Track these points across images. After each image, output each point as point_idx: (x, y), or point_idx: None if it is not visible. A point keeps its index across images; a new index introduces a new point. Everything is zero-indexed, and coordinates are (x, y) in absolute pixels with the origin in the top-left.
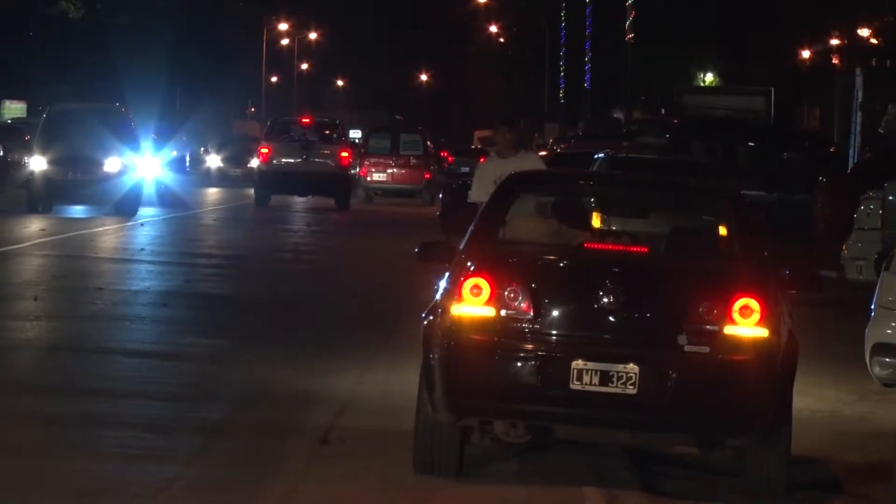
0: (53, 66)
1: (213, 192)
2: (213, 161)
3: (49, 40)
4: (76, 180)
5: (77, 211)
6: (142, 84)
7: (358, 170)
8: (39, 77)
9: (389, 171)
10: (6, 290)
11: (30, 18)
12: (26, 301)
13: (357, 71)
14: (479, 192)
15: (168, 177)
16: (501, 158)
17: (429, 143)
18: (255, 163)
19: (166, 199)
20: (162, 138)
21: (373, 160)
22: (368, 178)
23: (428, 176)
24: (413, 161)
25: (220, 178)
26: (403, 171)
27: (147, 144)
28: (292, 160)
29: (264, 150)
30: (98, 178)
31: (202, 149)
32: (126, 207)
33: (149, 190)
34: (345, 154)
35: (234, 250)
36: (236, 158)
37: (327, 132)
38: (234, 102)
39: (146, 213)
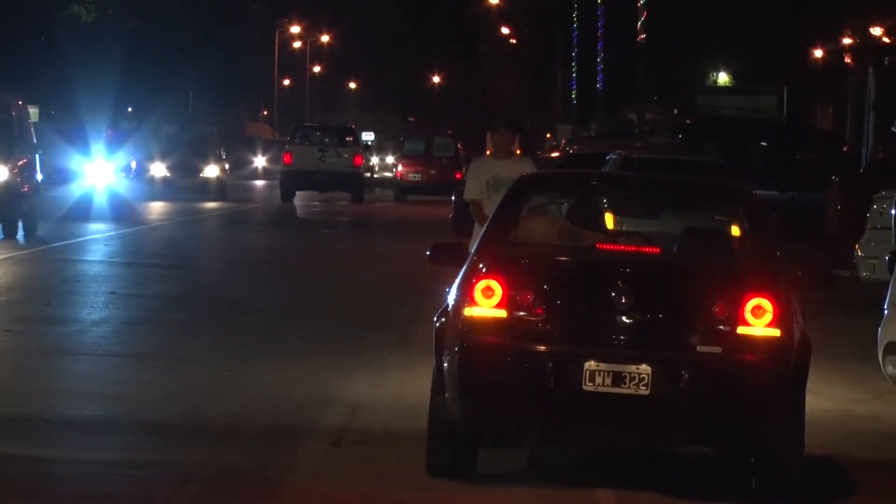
0: (65, 71)
1: (156, 206)
2: (158, 169)
3: (61, 43)
4: None
5: None
6: (151, 88)
7: (394, 171)
8: (53, 82)
9: (423, 171)
10: None
11: (42, 23)
12: None
13: (369, 73)
14: (472, 191)
15: (123, 185)
16: (496, 159)
17: (459, 145)
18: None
19: (121, 210)
20: (116, 142)
21: (408, 161)
22: (404, 178)
23: (459, 176)
24: (445, 162)
25: (166, 189)
26: (435, 172)
27: (98, 148)
28: (312, 161)
29: (288, 153)
30: None
31: (133, 161)
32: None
33: (99, 200)
34: (358, 155)
35: (241, 254)
36: (186, 166)
37: (343, 136)
38: (246, 105)
39: (97, 227)
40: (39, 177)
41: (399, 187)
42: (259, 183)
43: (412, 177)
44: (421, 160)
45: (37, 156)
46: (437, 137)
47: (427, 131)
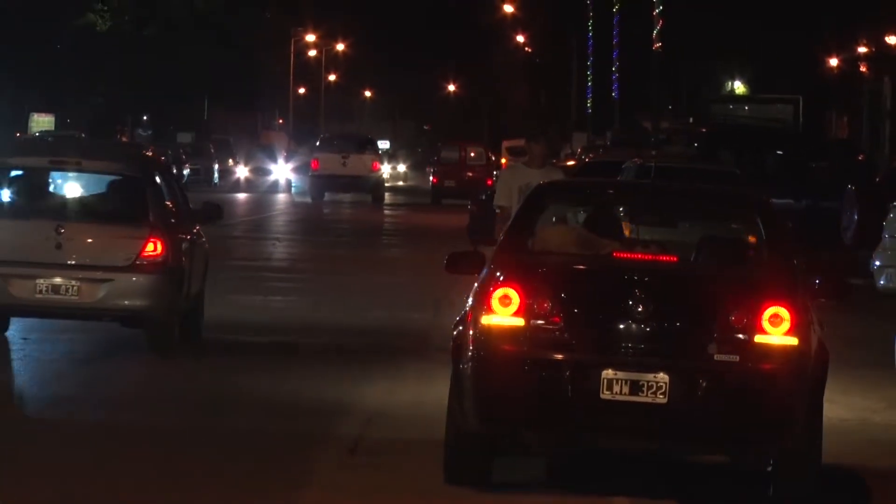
0: (81, 79)
1: None
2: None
3: (76, 52)
4: None
5: None
6: (167, 96)
7: (431, 177)
8: (68, 90)
9: (457, 178)
10: None
11: (57, 31)
12: None
13: (384, 82)
14: (501, 197)
15: None
16: (528, 168)
17: (490, 154)
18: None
19: None
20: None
21: (444, 169)
22: (440, 184)
23: (490, 182)
24: (477, 169)
25: None
26: (468, 178)
27: None
28: (336, 166)
29: (315, 160)
30: None
31: None
32: None
33: None
34: (375, 161)
35: (259, 261)
36: None
37: (362, 144)
38: (262, 113)
39: None
40: None
41: (435, 192)
42: (240, 196)
43: (447, 183)
44: (455, 167)
45: None
46: (470, 147)
47: (461, 142)
